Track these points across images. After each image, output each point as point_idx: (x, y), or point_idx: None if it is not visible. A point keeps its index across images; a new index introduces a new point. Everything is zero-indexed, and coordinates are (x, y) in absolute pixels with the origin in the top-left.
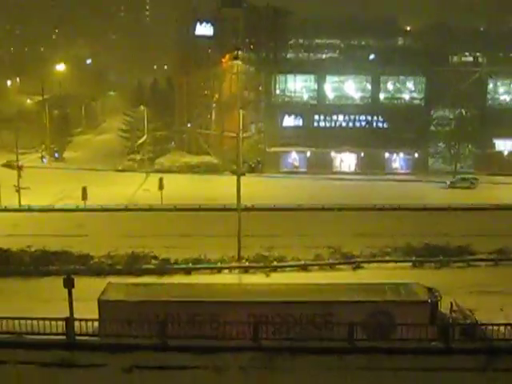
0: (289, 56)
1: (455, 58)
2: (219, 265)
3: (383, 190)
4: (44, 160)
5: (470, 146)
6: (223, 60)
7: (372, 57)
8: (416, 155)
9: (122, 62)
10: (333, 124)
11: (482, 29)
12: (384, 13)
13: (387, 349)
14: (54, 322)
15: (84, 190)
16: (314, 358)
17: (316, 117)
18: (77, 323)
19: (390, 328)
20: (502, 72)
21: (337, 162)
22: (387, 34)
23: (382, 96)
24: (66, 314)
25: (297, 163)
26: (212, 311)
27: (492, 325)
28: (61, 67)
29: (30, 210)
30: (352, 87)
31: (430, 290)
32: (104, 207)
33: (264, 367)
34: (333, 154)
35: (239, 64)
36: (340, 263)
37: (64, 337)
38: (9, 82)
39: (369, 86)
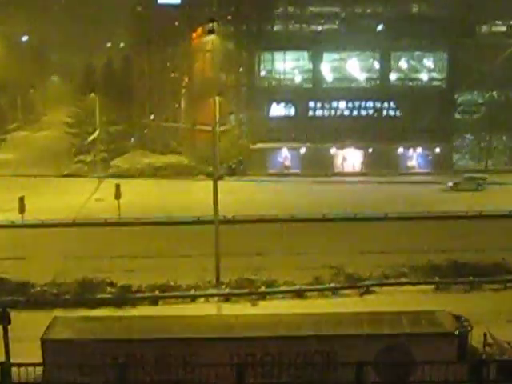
0: (276, 29)
1: (484, 28)
2: (193, 292)
3: (396, 195)
4: None
5: (504, 138)
6: (194, 35)
7: (380, 28)
8: (437, 150)
9: (67, 39)
10: (332, 113)
11: None
12: None
13: None
14: None
15: (21, 200)
16: None
17: (311, 104)
18: (14, 369)
19: (409, 368)
20: None
21: (338, 161)
22: None
23: (393, 77)
24: (1, 358)
25: (288, 163)
26: (185, 351)
27: None
28: None
29: None
30: (356, 66)
31: (457, 318)
32: (46, 222)
33: None
34: (333, 150)
35: (214, 39)
36: (344, 287)
37: None
38: None
39: (377, 65)
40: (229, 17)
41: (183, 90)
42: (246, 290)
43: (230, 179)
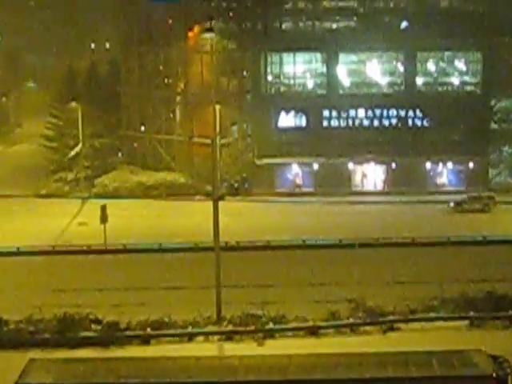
0: (285, 26)
1: None
2: (190, 330)
3: (423, 217)
4: None
5: None
6: (190, 34)
7: (404, 25)
8: (471, 165)
9: (45, 40)
10: (350, 123)
11: None
12: None
13: None
14: None
15: None
16: None
17: (326, 113)
18: None
19: None
20: None
21: (357, 178)
22: None
23: (419, 81)
24: None
25: (299, 181)
26: None
27: None
28: None
29: None
30: (377, 69)
31: (495, 359)
32: (22, 250)
33: None
34: (351, 166)
35: (213, 39)
36: (365, 324)
37: None
38: None
39: (401, 68)
40: (230, 13)
41: (178, 98)
42: (252, 328)
43: (233, 200)
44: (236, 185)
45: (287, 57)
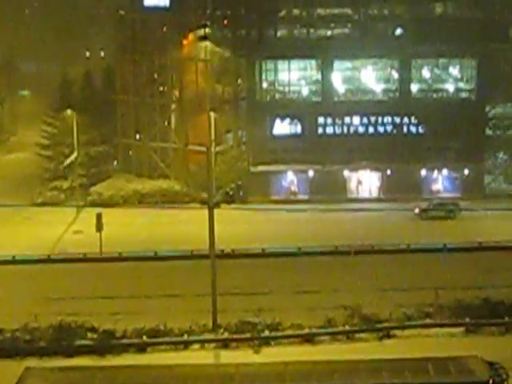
0: (279, 34)
1: None
2: (186, 337)
3: (418, 224)
4: None
5: None
6: (185, 42)
7: (399, 32)
8: (466, 172)
9: (40, 48)
10: (345, 130)
11: None
12: None
13: None
14: None
15: None
16: None
17: (321, 120)
18: None
19: None
20: None
21: (352, 185)
22: None
23: (414, 88)
24: None
25: (295, 188)
26: None
27: None
28: None
29: None
30: (371, 76)
31: (491, 365)
32: (18, 258)
33: None
34: (346, 173)
35: (208, 46)
36: (361, 331)
37: None
38: None
39: (396, 74)
40: (225, 20)
41: (173, 106)
42: (248, 335)
43: (228, 207)
44: (231, 192)
45: (282, 64)
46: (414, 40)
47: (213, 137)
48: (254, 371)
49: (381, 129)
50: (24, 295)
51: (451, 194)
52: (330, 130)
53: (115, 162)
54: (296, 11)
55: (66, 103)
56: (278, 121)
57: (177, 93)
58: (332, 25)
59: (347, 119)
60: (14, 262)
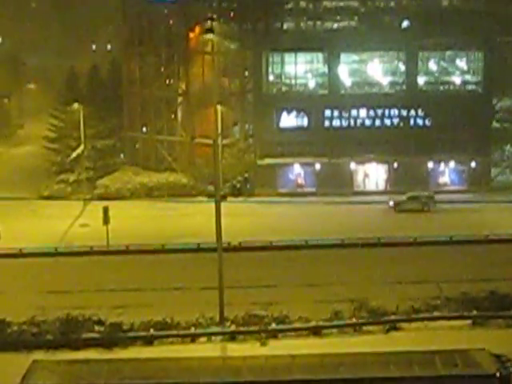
0: (286, 26)
1: None
2: (193, 330)
3: (427, 217)
4: None
5: None
6: (191, 35)
7: (406, 24)
8: (473, 164)
9: (47, 41)
10: (351, 123)
11: None
12: None
13: None
14: None
15: None
16: None
17: (327, 113)
18: None
19: None
20: None
21: (359, 178)
22: None
23: (421, 80)
24: None
25: (301, 181)
26: None
27: None
28: None
29: None
30: (378, 69)
31: (498, 358)
32: (25, 251)
33: None
34: (353, 165)
35: (214, 39)
36: (368, 323)
37: None
38: None
39: (402, 67)
40: (231, 13)
41: (180, 98)
42: (255, 328)
43: (235, 200)
44: (238, 185)
45: (289, 57)
46: (421, 32)
47: (219, 130)
48: (261, 364)
49: (387, 121)
50: (31, 288)
51: (458, 187)
52: (336, 122)
53: (122, 155)
54: (303, 3)
55: (72, 96)
56: (284, 114)
57: (183, 86)
58: (339, 17)
59: (354, 112)
60: (20, 255)
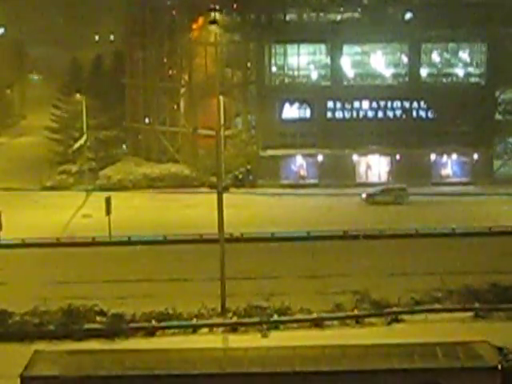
0: (289, 18)
1: None
2: (195, 321)
3: (429, 208)
4: None
5: None
6: (194, 26)
7: (409, 16)
8: (475, 157)
9: (49, 31)
10: (354, 114)
11: None
12: None
13: None
14: None
15: None
16: None
17: (330, 104)
18: None
19: None
20: None
21: (361, 169)
22: None
23: (424, 72)
24: None
25: (304, 172)
26: None
27: None
28: None
29: None
30: (381, 61)
31: (500, 350)
32: (27, 242)
33: None
34: (355, 157)
35: (217, 31)
36: (369, 315)
37: None
38: None
39: (405, 59)
40: (234, 5)
41: (182, 90)
42: (256, 319)
43: (237, 191)
44: (240, 176)
45: (291, 48)
46: (424, 24)
47: (222, 121)
48: (263, 355)
49: (390, 113)
50: (33, 279)
51: (460, 179)
52: (339, 114)
53: (124, 146)
54: None
55: (75, 87)
56: (287, 105)
57: (186, 77)
58: (341, 9)
59: (356, 104)
60: (23, 245)
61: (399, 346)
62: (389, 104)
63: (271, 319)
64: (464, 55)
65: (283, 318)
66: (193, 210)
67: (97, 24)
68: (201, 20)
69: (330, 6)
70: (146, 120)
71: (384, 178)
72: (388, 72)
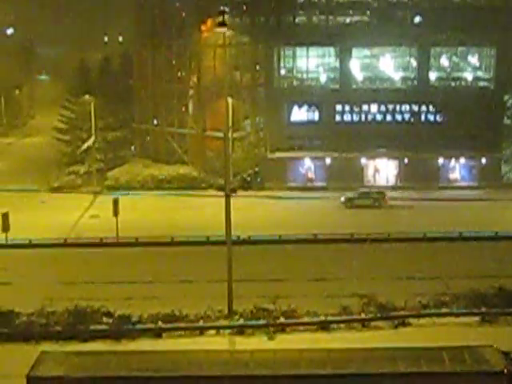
0: (298, 21)
1: None
2: (201, 324)
3: (437, 213)
4: None
5: None
6: (203, 28)
7: (418, 19)
8: (484, 161)
9: (58, 32)
10: (363, 117)
11: None
12: None
13: None
14: None
15: (5, 217)
16: None
17: (339, 107)
18: None
19: None
20: None
21: (369, 173)
22: None
23: (433, 76)
24: None
25: (312, 175)
26: None
27: None
28: None
29: None
30: (390, 64)
31: (507, 355)
32: (34, 242)
33: None
34: (363, 160)
35: (226, 33)
36: (376, 318)
37: None
38: None
39: (414, 63)
40: (244, 7)
41: (191, 91)
42: (263, 322)
43: (245, 194)
44: (248, 179)
45: (300, 51)
46: (433, 28)
47: (230, 123)
48: (269, 358)
49: (398, 117)
50: (40, 279)
51: (468, 183)
52: (347, 117)
53: (132, 148)
54: None
55: (84, 88)
56: (295, 108)
57: (195, 78)
58: (351, 12)
59: (365, 107)
60: (30, 245)
61: (406, 350)
62: (397, 107)
63: (278, 322)
64: (473, 59)
65: (290, 321)
66: (200, 212)
67: (106, 25)
68: (210, 22)
69: (340, 8)
70: (155, 121)
71: (392, 181)
72: (397, 75)
